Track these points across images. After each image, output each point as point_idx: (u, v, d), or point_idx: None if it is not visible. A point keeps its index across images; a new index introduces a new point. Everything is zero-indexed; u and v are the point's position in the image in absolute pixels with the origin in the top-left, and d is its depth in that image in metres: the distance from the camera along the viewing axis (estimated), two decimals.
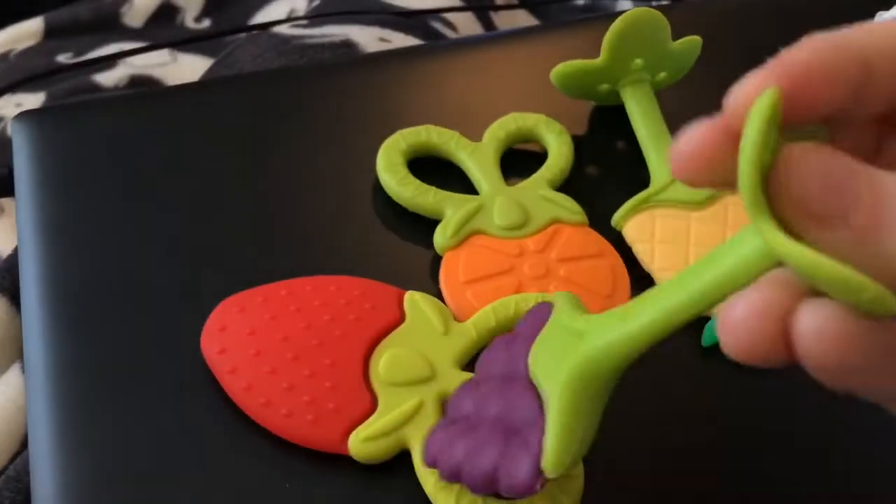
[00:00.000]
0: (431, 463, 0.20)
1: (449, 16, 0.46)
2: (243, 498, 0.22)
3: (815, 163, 0.14)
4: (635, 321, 0.17)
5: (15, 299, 0.31)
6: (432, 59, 0.35)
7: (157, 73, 0.47)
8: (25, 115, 0.31)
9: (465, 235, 0.27)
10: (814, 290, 0.14)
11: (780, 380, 0.21)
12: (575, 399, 0.18)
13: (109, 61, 0.44)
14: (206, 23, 0.53)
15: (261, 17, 0.53)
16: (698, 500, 0.23)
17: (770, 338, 0.14)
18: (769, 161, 0.14)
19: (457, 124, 0.30)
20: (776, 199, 0.14)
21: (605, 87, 0.31)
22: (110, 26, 0.52)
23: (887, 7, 0.30)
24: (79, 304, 0.25)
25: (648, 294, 0.17)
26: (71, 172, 0.29)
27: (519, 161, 0.30)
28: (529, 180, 0.29)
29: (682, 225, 0.28)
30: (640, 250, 0.27)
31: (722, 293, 0.15)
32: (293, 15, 0.50)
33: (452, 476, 0.20)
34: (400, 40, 0.42)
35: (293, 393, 0.22)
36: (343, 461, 0.22)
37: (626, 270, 0.27)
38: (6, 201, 0.36)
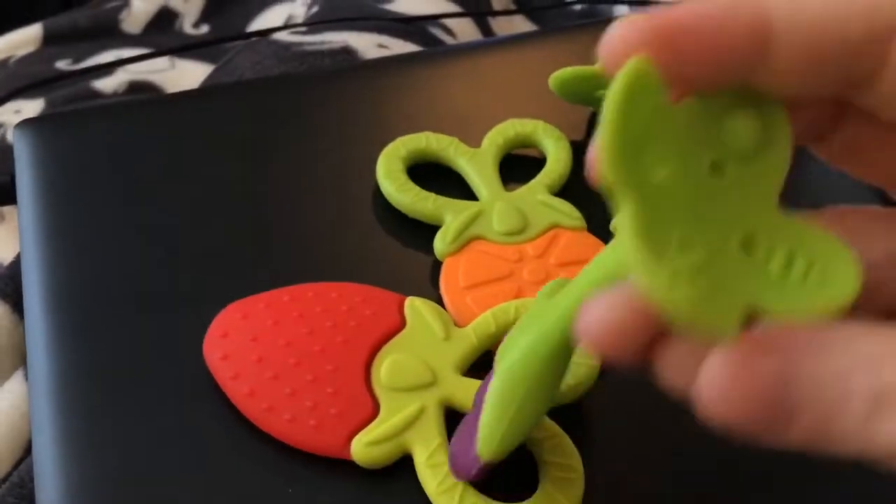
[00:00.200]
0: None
1: (448, 22, 0.46)
2: (246, 503, 0.22)
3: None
4: (544, 323, 0.17)
5: (17, 306, 0.31)
6: (431, 65, 0.35)
7: (157, 78, 0.47)
8: (26, 123, 0.31)
9: (465, 241, 0.27)
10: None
11: None
12: (504, 389, 0.18)
13: (108, 68, 0.44)
14: (204, 28, 0.54)
15: (259, 23, 0.53)
16: (699, 502, 0.23)
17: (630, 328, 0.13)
18: (647, 121, 0.13)
19: (456, 130, 0.30)
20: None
21: (603, 92, 0.31)
22: (109, 32, 0.52)
23: None
24: (81, 311, 0.26)
25: (566, 287, 0.17)
26: (72, 179, 0.29)
27: (518, 167, 0.30)
28: (528, 186, 0.29)
29: None
30: None
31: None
32: (292, 22, 0.50)
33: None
34: (399, 47, 0.42)
35: (295, 398, 0.23)
36: (345, 466, 0.22)
37: None
38: (7, 209, 0.36)
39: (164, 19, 0.53)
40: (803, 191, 0.28)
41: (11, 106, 0.44)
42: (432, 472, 0.22)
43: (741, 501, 0.24)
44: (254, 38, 0.44)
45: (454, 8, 0.47)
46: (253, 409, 0.23)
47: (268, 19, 0.53)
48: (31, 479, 0.26)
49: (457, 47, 0.41)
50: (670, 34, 0.13)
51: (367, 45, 0.41)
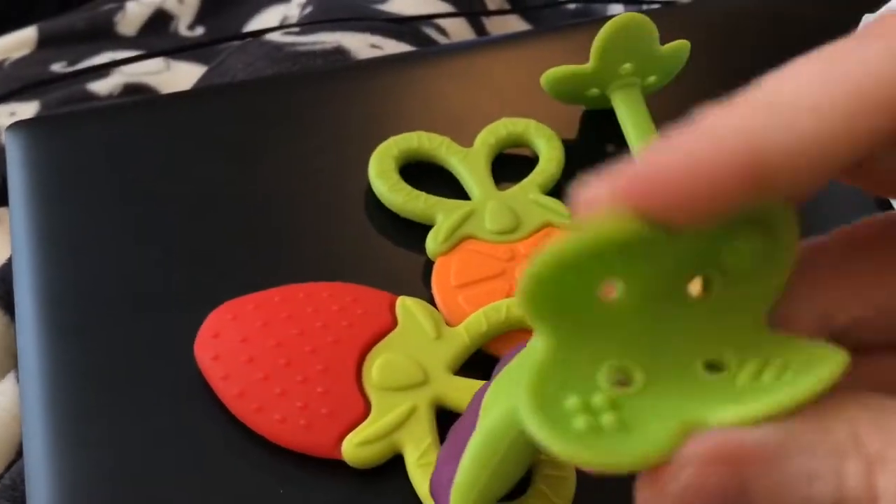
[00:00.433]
0: None
1: (441, 22, 0.46)
2: (238, 503, 0.22)
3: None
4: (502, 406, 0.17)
5: (9, 308, 0.31)
6: (424, 65, 0.35)
7: (151, 80, 0.47)
8: (19, 125, 0.31)
9: (457, 240, 0.27)
10: None
11: None
12: (483, 449, 0.17)
13: (103, 70, 0.44)
14: (199, 30, 0.54)
15: (254, 24, 0.53)
16: None
17: None
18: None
19: (448, 130, 0.30)
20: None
21: (594, 91, 0.31)
22: (104, 35, 0.52)
23: (872, 11, 0.31)
24: (73, 313, 0.26)
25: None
26: (63, 181, 0.29)
27: (510, 166, 0.30)
28: (520, 185, 0.29)
29: None
30: None
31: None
32: (286, 22, 0.50)
33: None
34: (392, 47, 0.42)
35: (286, 399, 0.23)
36: (337, 466, 0.22)
37: None
38: (1, 210, 0.36)
39: (159, 21, 0.53)
40: None
41: (6, 108, 0.44)
42: (423, 472, 0.22)
43: None
44: (247, 39, 0.44)
45: (447, 8, 0.47)
46: (244, 409, 0.23)
47: (263, 20, 0.53)
48: (23, 482, 0.26)
49: (448, 47, 0.41)
50: (648, 191, 0.11)
51: (360, 45, 0.41)
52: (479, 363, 0.24)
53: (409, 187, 0.28)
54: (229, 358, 0.23)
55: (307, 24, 0.44)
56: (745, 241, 0.13)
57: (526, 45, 0.36)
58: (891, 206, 0.30)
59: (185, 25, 0.54)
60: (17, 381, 0.29)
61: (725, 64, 0.36)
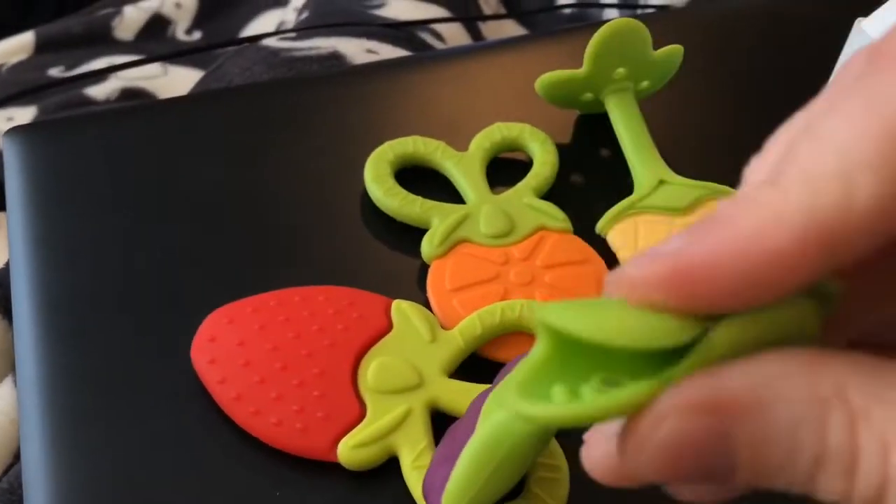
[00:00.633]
0: None
1: (437, 27, 0.47)
2: None
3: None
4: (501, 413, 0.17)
5: (7, 313, 0.31)
6: (419, 70, 0.35)
7: (149, 85, 0.47)
8: (17, 130, 0.31)
9: (452, 244, 0.27)
10: None
11: None
12: (477, 459, 0.17)
13: (101, 75, 0.44)
14: (196, 35, 0.54)
15: (251, 29, 0.53)
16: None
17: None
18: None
19: (443, 134, 0.30)
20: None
21: (588, 96, 0.31)
22: (101, 39, 0.52)
23: (865, 14, 0.31)
24: (70, 317, 0.26)
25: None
26: (62, 186, 0.29)
27: (504, 170, 0.30)
28: (515, 189, 0.29)
29: (666, 231, 0.28)
30: (625, 256, 0.28)
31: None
32: (282, 27, 0.50)
33: None
34: (387, 52, 0.42)
35: (282, 402, 0.23)
36: (332, 468, 0.22)
37: None
38: None
39: (157, 26, 0.53)
40: None
41: (4, 113, 0.44)
42: (419, 474, 0.22)
43: (730, 501, 0.24)
44: (244, 45, 0.44)
45: (443, 13, 0.47)
46: (240, 412, 0.23)
47: (260, 25, 0.53)
48: (21, 486, 0.26)
49: (443, 52, 0.42)
50: (687, 282, 0.11)
51: (356, 50, 0.42)
52: (474, 366, 0.25)
53: (404, 191, 0.28)
54: (226, 361, 0.23)
55: (303, 30, 0.44)
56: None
57: (520, 49, 0.37)
58: None
59: (182, 30, 0.54)
60: (15, 384, 0.29)
61: (719, 69, 0.36)
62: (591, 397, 0.12)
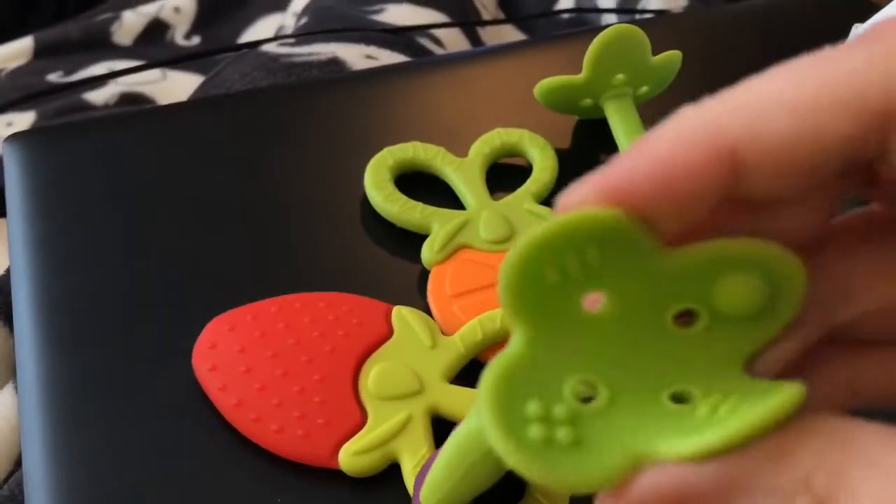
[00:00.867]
0: None
1: (436, 32, 0.47)
2: None
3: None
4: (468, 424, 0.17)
5: (8, 319, 0.31)
6: (418, 76, 0.35)
7: (148, 90, 0.47)
8: (17, 137, 0.31)
9: (452, 250, 0.27)
10: None
11: None
12: (458, 450, 0.18)
13: (100, 80, 0.45)
14: (195, 40, 0.54)
15: (249, 34, 0.53)
16: None
17: None
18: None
19: (443, 140, 0.31)
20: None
21: (587, 101, 0.31)
22: (100, 44, 0.52)
23: (862, 20, 0.31)
24: (71, 323, 0.26)
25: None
26: (62, 192, 0.29)
27: (504, 176, 0.30)
28: (514, 194, 0.29)
29: None
30: None
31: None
32: (281, 33, 0.51)
33: None
34: (387, 57, 0.42)
35: (283, 408, 0.23)
36: (333, 475, 0.22)
37: None
38: None
39: (156, 31, 0.54)
40: None
41: (3, 119, 0.44)
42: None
43: None
44: (243, 50, 0.44)
45: (442, 18, 0.48)
46: (241, 419, 0.23)
47: (259, 30, 0.53)
48: (22, 492, 0.26)
49: (442, 58, 0.42)
50: (624, 190, 0.12)
51: (355, 56, 0.42)
52: (475, 372, 0.25)
53: (404, 197, 0.28)
54: (227, 368, 0.23)
55: (303, 35, 0.44)
56: (742, 283, 0.13)
57: (519, 55, 0.37)
58: None
59: (181, 35, 0.54)
60: (16, 390, 0.29)
61: (718, 73, 0.36)
62: (563, 459, 0.11)
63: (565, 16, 0.52)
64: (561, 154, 0.31)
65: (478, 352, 0.25)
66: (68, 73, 0.49)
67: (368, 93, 0.34)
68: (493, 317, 0.25)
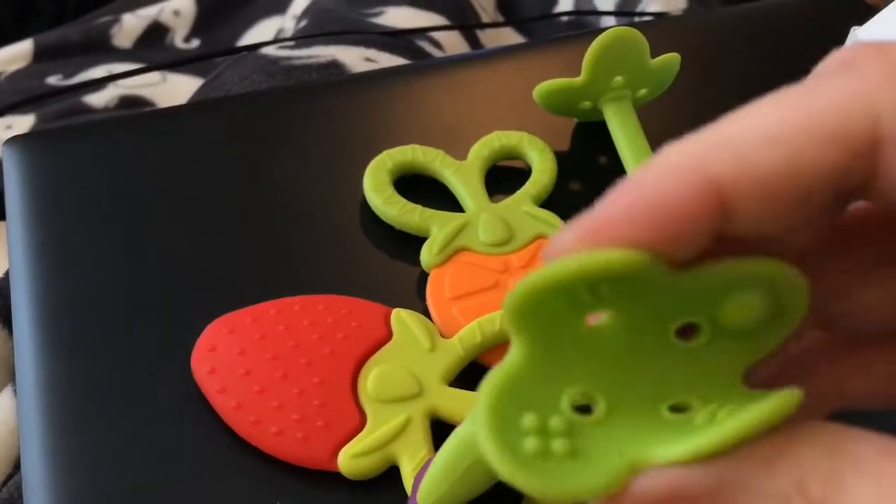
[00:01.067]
0: None
1: (435, 35, 0.47)
2: None
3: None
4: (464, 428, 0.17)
5: (7, 322, 0.31)
6: (418, 78, 0.35)
7: (148, 93, 0.47)
8: (16, 140, 0.31)
9: (451, 252, 0.27)
10: None
11: None
12: (455, 452, 0.18)
13: (99, 84, 0.45)
14: (195, 42, 0.54)
15: (249, 37, 0.53)
16: None
17: None
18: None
19: (442, 143, 0.31)
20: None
21: (586, 104, 0.32)
22: (100, 47, 0.53)
23: (860, 23, 0.31)
24: (70, 326, 0.26)
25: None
26: (61, 195, 0.29)
27: (503, 178, 0.30)
28: (513, 197, 0.29)
29: None
30: None
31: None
32: (281, 36, 0.51)
33: None
34: (386, 60, 0.42)
35: (283, 411, 0.23)
36: (333, 478, 0.22)
37: None
38: None
39: (155, 34, 0.54)
40: None
41: (2, 121, 0.44)
42: None
43: None
44: (242, 53, 0.44)
45: (442, 21, 0.48)
46: (240, 422, 0.23)
47: (258, 33, 0.53)
48: (21, 496, 0.26)
49: (441, 60, 0.42)
50: (604, 231, 0.12)
51: (355, 58, 0.42)
52: (474, 374, 0.25)
53: (403, 200, 0.29)
54: (226, 371, 0.23)
55: (302, 38, 0.44)
56: (748, 301, 0.12)
57: (518, 58, 0.37)
58: None
59: (180, 38, 0.54)
60: (15, 394, 0.29)
61: (716, 75, 0.36)
62: (557, 470, 0.11)
63: (564, 18, 0.52)
64: (560, 156, 0.31)
65: (477, 354, 0.25)
66: (68, 75, 0.49)
67: (368, 95, 0.34)
68: (492, 319, 0.25)
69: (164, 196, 0.29)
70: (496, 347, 0.25)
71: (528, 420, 0.12)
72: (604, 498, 0.11)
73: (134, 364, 0.25)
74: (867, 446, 0.11)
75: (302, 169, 0.31)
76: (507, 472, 0.11)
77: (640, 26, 0.37)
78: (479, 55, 0.41)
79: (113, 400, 0.24)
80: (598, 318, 0.13)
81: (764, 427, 0.11)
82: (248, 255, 0.28)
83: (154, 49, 0.53)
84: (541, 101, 0.31)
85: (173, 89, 0.48)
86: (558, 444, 0.12)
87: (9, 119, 0.45)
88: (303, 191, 0.30)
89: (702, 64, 0.36)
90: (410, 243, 0.28)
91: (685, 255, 0.12)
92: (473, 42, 0.49)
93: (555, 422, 0.12)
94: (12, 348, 0.26)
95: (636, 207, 0.11)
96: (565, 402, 0.12)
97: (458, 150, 0.30)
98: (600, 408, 0.12)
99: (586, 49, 0.30)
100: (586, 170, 0.32)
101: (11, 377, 0.30)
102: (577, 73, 0.30)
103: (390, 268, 0.28)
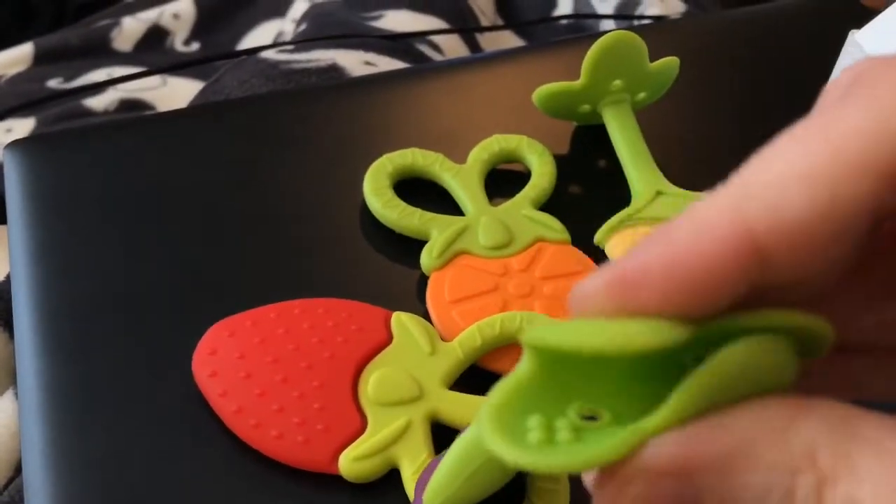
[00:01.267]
0: None
1: (435, 38, 0.47)
2: None
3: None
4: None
5: (8, 326, 0.31)
6: (417, 82, 0.35)
7: (148, 96, 0.48)
8: (17, 144, 0.31)
9: (451, 256, 0.27)
10: None
11: None
12: (464, 454, 0.18)
13: (100, 87, 0.45)
14: (195, 46, 0.54)
15: (249, 40, 0.53)
16: None
17: None
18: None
19: (442, 146, 0.31)
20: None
21: (585, 107, 0.32)
22: (100, 51, 0.53)
23: (858, 26, 0.31)
24: (71, 329, 0.26)
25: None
26: (62, 199, 0.29)
27: (503, 182, 0.31)
28: (513, 200, 0.29)
29: None
30: None
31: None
32: (280, 39, 0.51)
33: None
34: (386, 64, 0.43)
35: (283, 414, 0.23)
36: (333, 481, 0.23)
37: None
38: None
39: (155, 37, 0.54)
40: None
41: (3, 125, 0.44)
42: None
43: None
44: (242, 57, 0.44)
45: (441, 24, 0.48)
46: (241, 425, 0.23)
47: (258, 36, 0.53)
48: (22, 499, 0.26)
49: (441, 64, 0.42)
50: (635, 286, 0.11)
51: (354, 62, 0.42)
52: (474, 377, 0.25)
53: (403, 203, 0.29)
54: (227, 374, 0.24)
55: (302, 42, 0.44)
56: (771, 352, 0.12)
57: (517, 61, 0.37)
58: None
59: (180, 41, 0.54)
60: (16, 397, 0.29)
61: (715, 80, 0.36)
62: (562, 448, 0.11)
63: (563, 22, 0.52)
64: (559, 160, 0.31)
65: (477, 357, 0.25)
66: (68, 79, 0.49)
67: (367, 99, 0.34)
68: (492, 323, 0.25)
69: (164, 199, 0.30)
70: (496, 350, 0.25)
71: (534, 420, 0.12)
72: (613, 463, 0.11)
73: (135, 367, 0.25)
74: (875, 423, 0.11)
75: (302, 172, 0.31)
76: (511, 455, 0.11)
77: (639, 30, 0.37)
78: (478, 59, 0.41)
79: (114, 403, 0.24)
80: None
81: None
82: (249, 258, 0.28)
83: (154, 52, 0.53)
84: (540, 104, 0.31)
85: (173, 93, 0.48)
86: (563, 435, 0.12)
87: (9, 122, 0.45)
88: (303, 194, 0.30)
89: (701, 67, 0.36)
90: (410, 247, 0.28)
91: (716, 311, 0.12)
92: (473, 45, 0.49)
93: (560, 423, 0.12)
94: (13, 351, 0.26)
95: (670, 264, 0.11)
96: (571, 412, 0.12)
97: (458, 154, 0.31)
98: (605, 417, 0.12)
99: (585, 53, 0.30)
100: (585, 173, 0.32)
101: (12, 380, 0.30)
102: (577, 77, 0.30)
103: (390, 271, 0.28)
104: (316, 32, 0.46)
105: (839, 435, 0.11)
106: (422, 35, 0.46)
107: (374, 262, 0.28)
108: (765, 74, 0.37)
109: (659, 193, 0.29)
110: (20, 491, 0.26)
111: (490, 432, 0.11)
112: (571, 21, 0.52)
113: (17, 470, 0.28)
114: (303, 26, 0.49)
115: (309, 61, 0.42)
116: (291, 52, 0.43)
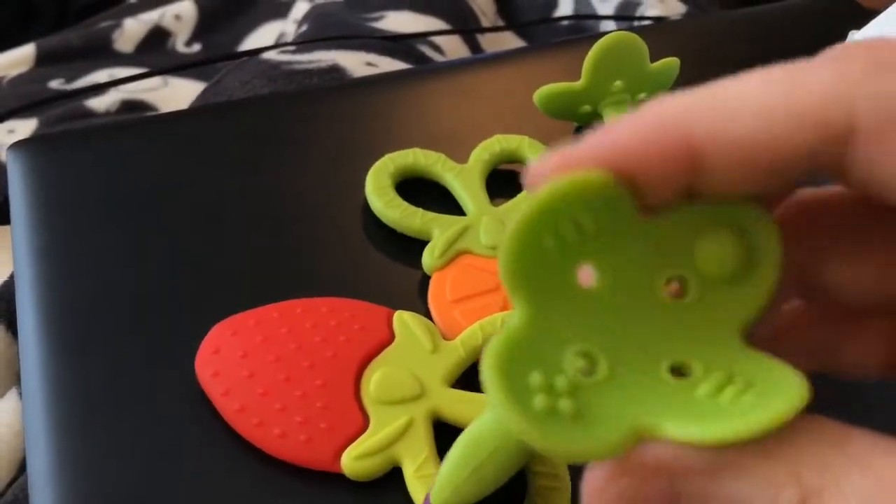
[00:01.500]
0: None
1: (436, 39, 0.47)
2: None
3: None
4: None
5: (11, 326, 0.31)
6: (419, 82, 0.36)
7: (149, 97, 0.48)
8: (19, 145, 0.31)
9: (453, 255, 0.27)
10: None
11: None
12: (469, 447, 0.18)
13: (101, 89, 0.45)
14: (196, 47, 0.54)
15: (250, 41, 0.53)
16: None
17: None
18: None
19: (443, 147, 0.31)
20: None
21: (586, 108, 0.32)
22: (101, 52, 0.53)
23: (858, 26, 0.31)
24: (75, 329, 0.26)
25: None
26: (65, 199, 0.29)
27: (504, 182, 0.31)
28: (514, 200, 0.29)
29: None
30: None
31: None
32: (282, 40, 0.51)
33: None
34: (387, 64, 0.43)
35: (286, 413, 0.23)
36: (336, 479, 0.23)
37: None
38: (0, 228, 0.37)
39: (157, 38, 0.54)
40: None
41: (5, 126, 0.45)
42: (421, 484, 0.22)
43: None
44: (244, 58, 0.45)
45: (442, 25, 0.48)
46: (244, 424, 0.23)
47: (259, 37, 0.54)
48: (27, 498, 0.26)
49: (442, 65, 0.42)
50: (579, 160, 0.12)
51: (356, 63, 0.42)
52: (476, 376, 0.25)
53: (405, 203, 0.29)
54: (229, 373, 0.24)
55: (303, 43, 0.44)
56: (714, 246, 0.13)
57: (518, 62, 0.37)
58: None
59: (182, 42, 0.54)
60: (20, 396, 0.29)
61: (715, 79, 0.37)
62: (564, 428, 0.12)
63: (564, 23, 0.52)
64: None
65: (478, 356, 0.25)
66: (70, 80, 0.49)
67: (369, 100, 0.34)
68: (494, 321, 0.25)
69: (166, 200, 0.30)
70: None
71: (535, 378, 0.12)
72: (606, 459, 0.12)
73: (138, 366, 0.25)
74: (862, 441, 0.11)
75: (303, 173, 0.31)
76: (519, 427, 0.12)
77: (640, 30, 0.37)
78: (479, 59, 0.41)
79: (117, 402, 0.24)
80: (590, 281, 0.13)
81: (774, 429, 0.11)
82: (251, 258, 0.28)
83: (155, 53, 0.53)
84: (541, 105, 0.31)
85: (175, 94, 0.48)
86: (564, 404, 0.12)
87: (11, 123, 0.45)
88: (304, 194, 0.30)
89: (701, 68, 0.36)
90: (412, 246, 0.28)
91: (654, 200, 0.13)
92: (474, 46, 0.49)
93: (559, 381, 0.12)
94: (17, 351, 0.26)
95: (611, 143, 0.12)
96: (568, 362, 0.13)
97: (459, 154, 0.31)
98: (602, 368, 0.13)
99: (586, 53, 0.30)
100: None
101: (16, 380, 0.30)
102: (577, 78, 0.31)
103: (392, 271, 0.28)
104: (317, 33, 0.46)
105: (827, 453, 0.11)
106: (423, 36, 0.46)
107: (376, 262, 0.28)
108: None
109: None
110: (24, 490, 0.26)
111: (499, 396, 0.12)
112: (572, 22, 0.52)
113: (22, 469, 0.28)
114: (304, 27, 0.49)
115: (310, 62, 0.42)
116: (293, 52, 0.43)
